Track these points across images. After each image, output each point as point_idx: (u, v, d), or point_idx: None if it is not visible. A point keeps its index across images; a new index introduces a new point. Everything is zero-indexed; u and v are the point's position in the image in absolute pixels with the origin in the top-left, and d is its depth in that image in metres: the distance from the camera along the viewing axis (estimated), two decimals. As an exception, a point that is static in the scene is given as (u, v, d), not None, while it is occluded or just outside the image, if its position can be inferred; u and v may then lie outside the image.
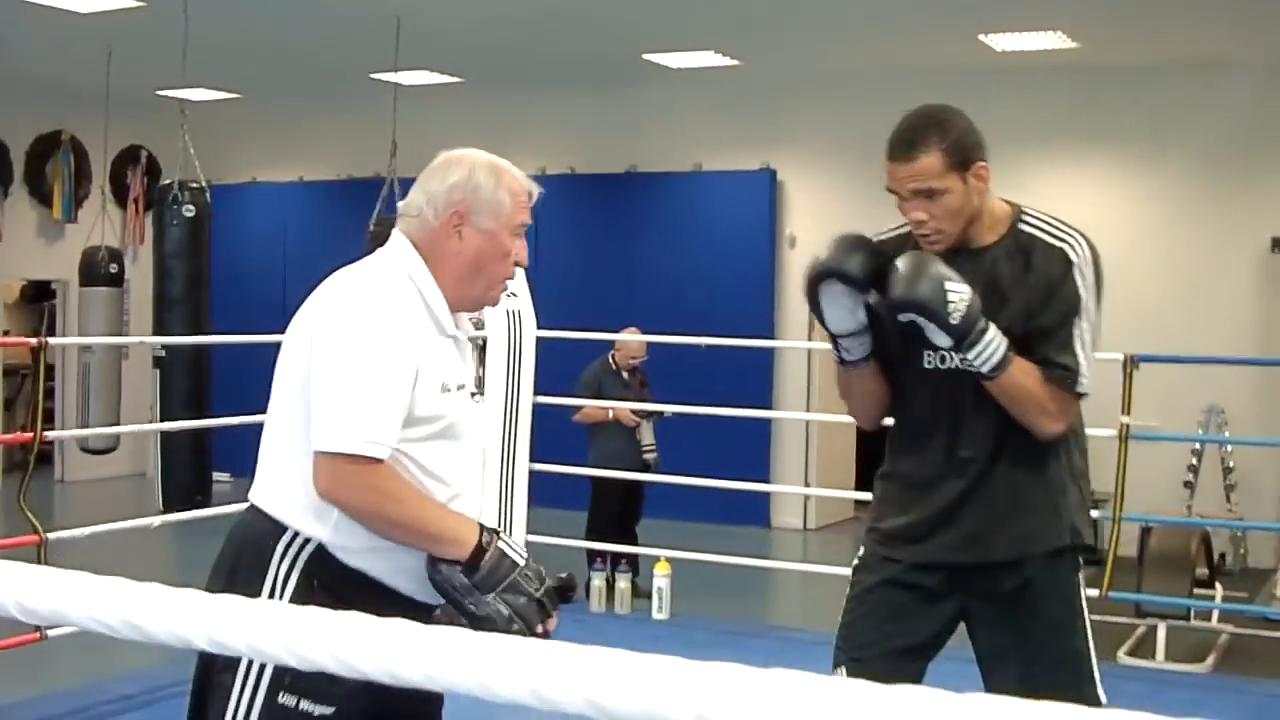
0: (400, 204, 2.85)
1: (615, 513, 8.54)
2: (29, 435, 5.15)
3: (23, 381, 14.49)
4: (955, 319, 2.93)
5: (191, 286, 8.04)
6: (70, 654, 6.01)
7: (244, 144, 14.03)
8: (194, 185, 8.39)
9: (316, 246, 10.71)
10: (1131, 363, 6.36)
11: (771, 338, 11.34)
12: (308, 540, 2.63)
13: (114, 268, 10.33)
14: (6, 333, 13.86)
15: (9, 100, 12.54)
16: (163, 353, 7.66)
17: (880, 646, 3.20)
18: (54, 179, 13.16)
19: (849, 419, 3.55)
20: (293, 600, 2.57)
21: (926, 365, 3.13)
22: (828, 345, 10.14)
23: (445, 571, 2.60)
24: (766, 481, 11.19)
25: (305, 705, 2.59)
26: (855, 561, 3.33)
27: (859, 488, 11.48)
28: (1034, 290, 3.05)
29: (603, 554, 8.05)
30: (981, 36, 9.44)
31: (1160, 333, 9.21)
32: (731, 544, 8.67)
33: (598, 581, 7.54)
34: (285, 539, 2.63)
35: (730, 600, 8.18)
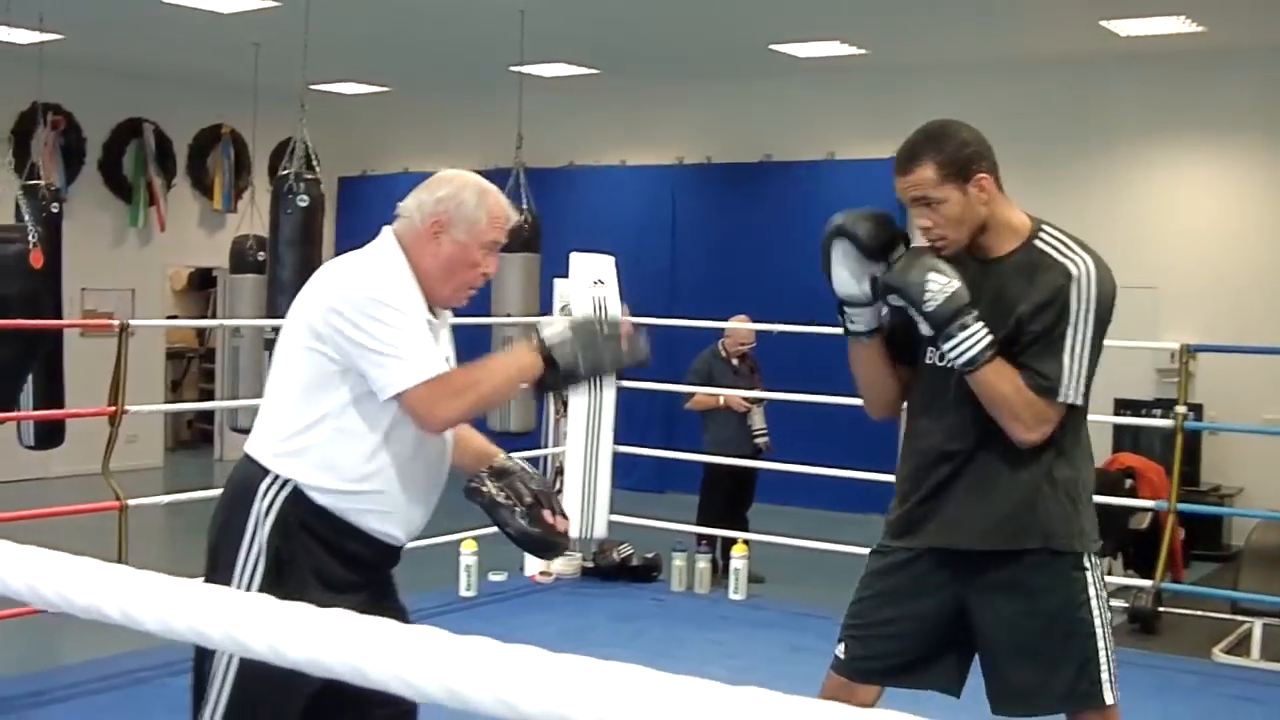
0: (400, 204, 3.20)
1: (727, 497, 8.68)
2: (112, 409, 5.52)
3: (188, 364, 15.21)
4: (929, 306, 3.07)
5: (301, 273, 8.36)
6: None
7: (396, 135, 14.51)
8: (309, 177, 8.73)
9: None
10: (1187, 352, 6.29)
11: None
12: (286, 481, 3.03)
13: (261, 255, 10.78)
14: (173, 317, 14.58)
15: (171, 97, 13.20)
16: (273, 335, 8.01)
17: (879, 628, 3.34)
18: (214, 171, 13.80)
19: None
20: (270, 533, 3.01)
21: (927, 361, 3.26)
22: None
23: (542, 383, 3.13)
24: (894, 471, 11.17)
25: None
26: (873, 549, 3.45)
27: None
28: (1032, 301, 3.14)
29: (709, 537, 8.22)
30: (1104, 22, 9.32)
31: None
32: (853, 532, 8.71)
33: (678, 561, 7.70)
34: (267, 481, 3.03)
35: (833, 588, 8.23)
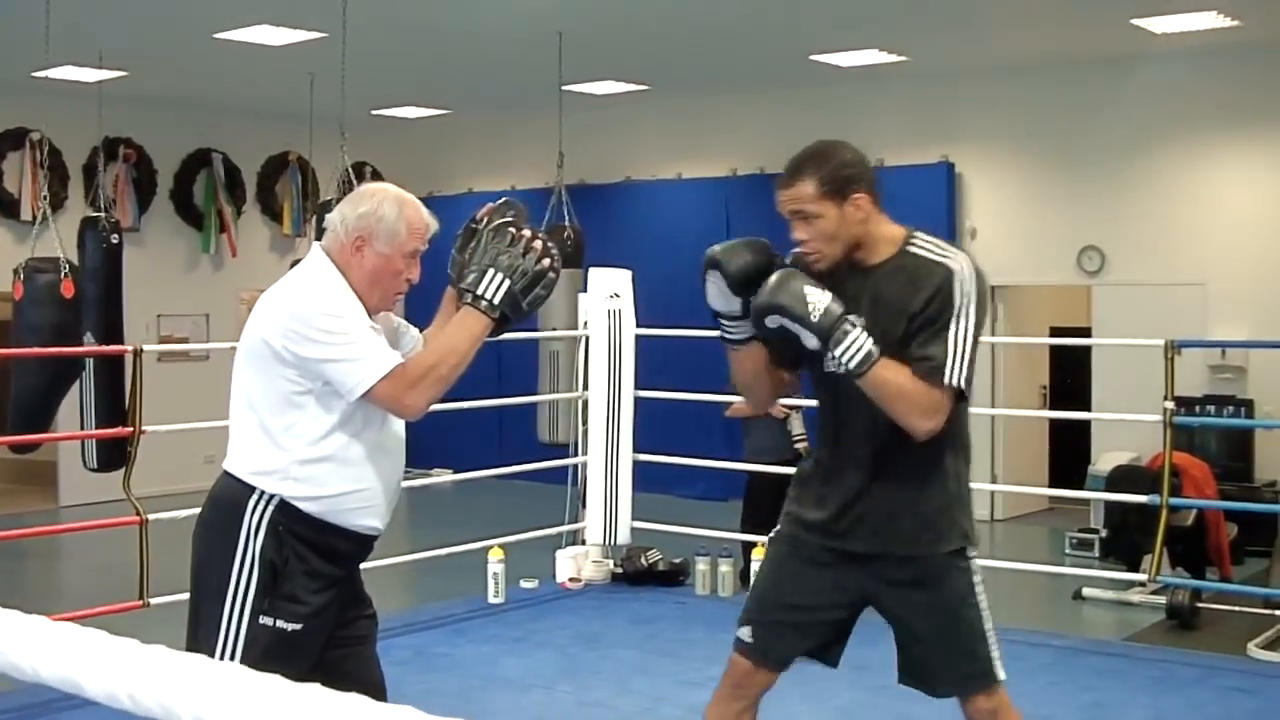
0: (326, 217, 3.41)
1: (771, 502, 8.75)
2: (129, 430, 5.78)
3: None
4: (815, 317, 3.23)
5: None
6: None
7: (458, 157, 14.79)
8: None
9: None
10: (1172, 348, 6.31)
11: (953, 330, 11.34)
12: (271, 496, 3.25)
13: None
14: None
15: (237, 127, 13.61)
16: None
17: (784, 615, 3.52)
18: (283, 197, 14.17)
19: (1036, 412, 3.82)
20: (264, 543, 3.23)
21: (827, 369, 3.39)
22: (1013, 339, 10.21)
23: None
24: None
25: (280, 623, 3.23)
26: (770, 535, 3.66)
27: (1053, 481, 11.44)
28: (913, 297, 3.30)
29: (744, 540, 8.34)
30: (1135, 21, 9.31)
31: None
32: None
33: (702, 565, 7.83)
34: (254, 498, 3.26)
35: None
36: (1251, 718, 5.85)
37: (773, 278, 3.31)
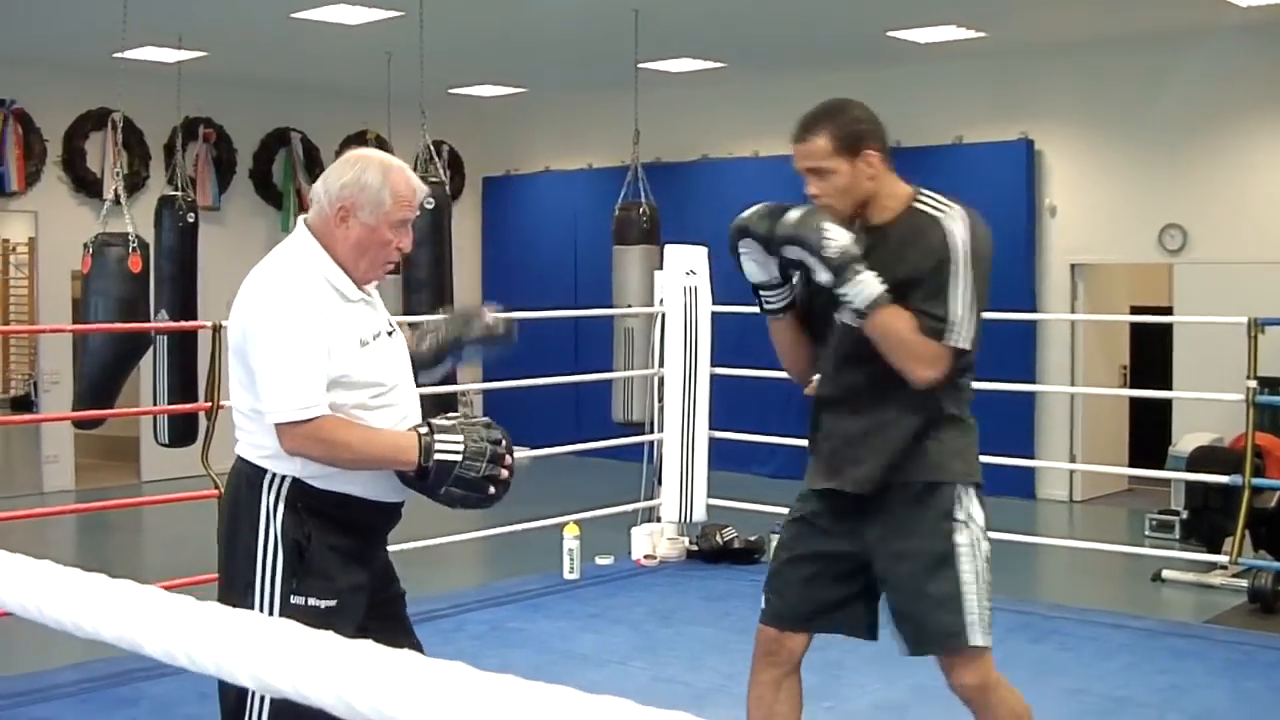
0: (310, 189, 3.37)
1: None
2: (208, 405, 5.86)
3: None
4: (828, 251, 3.29)
5: (434, 271, 8.69)
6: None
7: (535, 135, 14.83)
8: (433, 180, 8.97)
9: (604, 229, 11.29)
10: (1255, 326, 6.21)
11: (1033, 309, 11.25)
12: (284, 477, 3.21)
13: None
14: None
15: (316, 107, 13.70)
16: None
17: (790, 573, 3.62)
18: (362, 175, 14.25)
19: (1116, 391, 3.84)
20: (283, 522, 3.19)
21: (837, 321, 3.48)
22: (1093, 316, 10.09)
23: (406, 478, 3.26)
24: (1030, 454, 11.10)
25: (314, 601, 3.18)
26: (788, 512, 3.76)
27: (1133, 462, 11.29)
28: (916, 252, 3.38)
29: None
30: (1221, -7, 9.18)
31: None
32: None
33: (776, 543, 7.81)
34: (267, 479, 3.22)
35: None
36: (1335, 701, 5.76)
37: (795, 211, 3.39)
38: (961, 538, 3.44)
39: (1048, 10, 10.03)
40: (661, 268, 8.03)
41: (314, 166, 13.86)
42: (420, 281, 8.78)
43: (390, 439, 3.22)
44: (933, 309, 3.34)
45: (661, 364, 7.93)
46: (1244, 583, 7.60)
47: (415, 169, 9.33)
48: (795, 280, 3.56)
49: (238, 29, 10.57)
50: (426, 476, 3.21)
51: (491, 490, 3.27)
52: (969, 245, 3.37)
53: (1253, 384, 6.48)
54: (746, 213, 3.51)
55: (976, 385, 7.99)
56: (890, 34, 10.70)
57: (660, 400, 7.99)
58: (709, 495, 7.93)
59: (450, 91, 13.42)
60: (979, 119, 11.75)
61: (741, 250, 3.53)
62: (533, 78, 13.19)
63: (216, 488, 5.87)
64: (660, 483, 7.95)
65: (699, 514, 7.84)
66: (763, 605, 3.67)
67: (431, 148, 9.43)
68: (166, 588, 1.32)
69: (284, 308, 3.14)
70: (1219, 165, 10.69)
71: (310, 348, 3.13)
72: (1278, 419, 9.50)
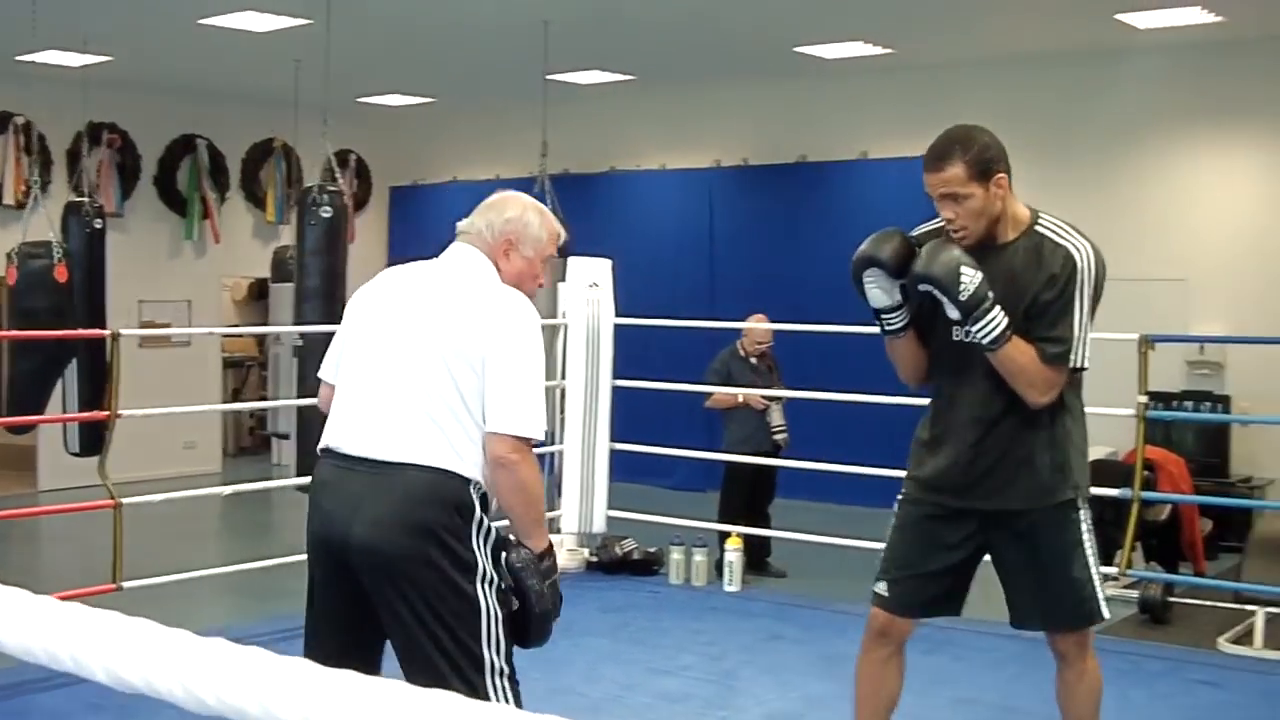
0: (462, 223, 3.59)
1: (747, 493, 8.80)
2: (105, 414, 5.81)
3: (247, 372, 15.60)
4: (963, 296, 3.58)
5: (327, 281, 8.62)
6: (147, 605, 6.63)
7: (443, 146, 14.81)
8: (331, 189, 8.93)
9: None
10: (1146, 342, 6.38)
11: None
12: (479, 484, 3.35)
13: (300, 265, 11.09)
14: (234, 327, 15.00)
15: (222, 114, 13.60)
16: (301, 342, 8.31)
17: (915, 569, 3.94)
18: (267, 184, 14.17)
19: None
20: (487, 530, 3.35)
21: (954, 338, 3.75)
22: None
23: (526, 553, 3.42)
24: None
25: (501, 586, 3.37)
26: (899, 497, 4.02)
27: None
28: (1041, 278, 3.65)
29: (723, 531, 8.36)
30: (1119, 16, 9.35)
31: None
32: (875, 527, 8.76)
33: (676, 555, 7.87)
34: (474, 490, 3.33)
35: (855, 580, 8.34)
36: (1216, 710, 5.90)
37: (929, 247, 3.64)
38: (1085, 527, 3.85)
39: (954, 29, 10.19)
40: (564, 279, 8.06)
41: (219, 174, 13.76)
42: (312, 291, 8.71)
43: (537, 523, 3.50)
44: (1056, 333, 3.64)
45: (563, 376, 7.95)
46: (1135, 594, 7.76)
47: (320, 177, 9.39)
48: (911, 300, 3.79)
49: (144, 34, 10.48)
50: (545, 560, 3.45)
51: (536, 634, 3.48)
52: (1094, 276, 3.67)
53: (1144, 399, 6.62)
54: (868, 243, 3.75)
55: (867, 399, 8.06)
56: (797, 49, 10.81)
57: (562, 412, 8.00)
58: (609, 507, 7.95)
59: (359, 100, 13.38)
60: (885, 135, 11.89)
61: (867, 280, 3.77)
62: (442, 88, 13.18)
63: (113, 498, 5.84)
64: (560, 494, 7.96)
65: (599, 525, 7.86)
66: (880, 591, 3.96)
67: (333, 156, 9.36)
68: (62, 598, 1.32)
69: (537, 331, 3.43)
70: (1120, 183, 10.89)
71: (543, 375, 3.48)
72: (1169, 434, 9.72)
